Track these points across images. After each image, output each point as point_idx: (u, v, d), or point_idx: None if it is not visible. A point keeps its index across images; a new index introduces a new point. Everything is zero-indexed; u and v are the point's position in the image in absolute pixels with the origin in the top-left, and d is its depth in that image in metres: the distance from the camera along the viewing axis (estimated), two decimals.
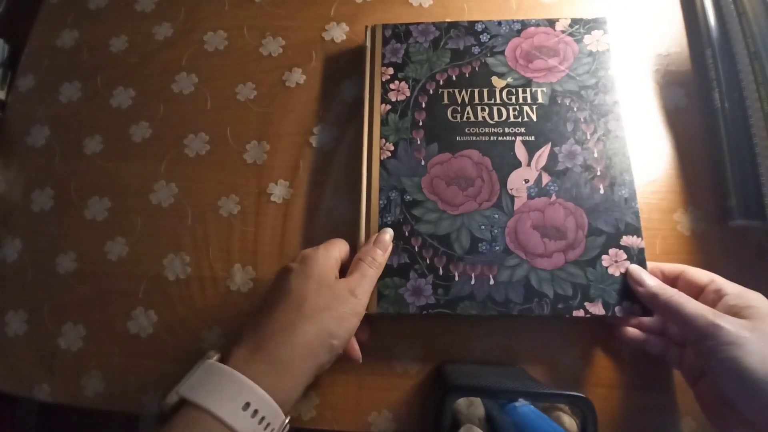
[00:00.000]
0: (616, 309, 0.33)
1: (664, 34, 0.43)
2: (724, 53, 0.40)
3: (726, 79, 0.39)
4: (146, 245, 0.41)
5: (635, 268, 0.33)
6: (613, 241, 0.34)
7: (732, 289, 0.30)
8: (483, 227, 0.36)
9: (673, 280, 0.34)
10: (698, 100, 0.41)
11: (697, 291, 0.32)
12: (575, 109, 0.38)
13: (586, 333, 0.36)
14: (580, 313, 0.33)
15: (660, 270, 0.34)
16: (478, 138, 0.38)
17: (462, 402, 0.30)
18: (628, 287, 0.33)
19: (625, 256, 0.34)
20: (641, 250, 0.34)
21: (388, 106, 0.39)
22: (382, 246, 0.35)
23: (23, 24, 0.50)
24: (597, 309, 0.33)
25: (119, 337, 0.39)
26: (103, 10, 0.50)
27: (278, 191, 0.41)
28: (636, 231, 0.34)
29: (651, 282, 0.32)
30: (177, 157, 0.43)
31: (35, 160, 0.45)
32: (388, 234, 0.36)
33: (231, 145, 0.43)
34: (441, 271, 0.35)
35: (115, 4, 0.49)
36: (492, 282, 0.34)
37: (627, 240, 0.34)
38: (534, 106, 0.38)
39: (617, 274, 0.34)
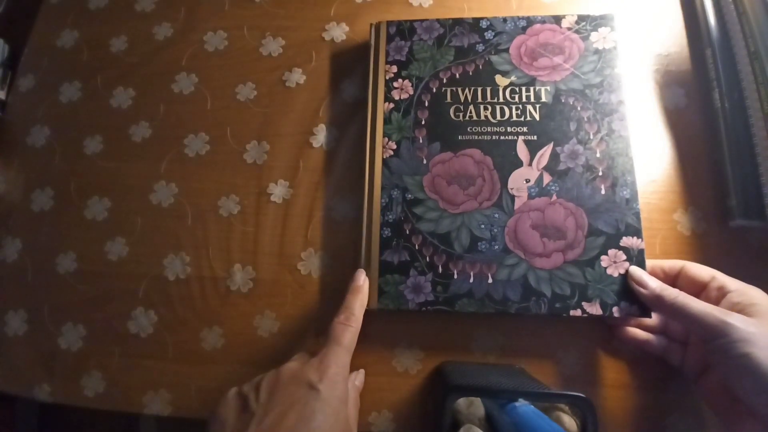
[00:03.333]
0: (614, 309, 0.33)
1: (664, 34, 0.43)
2: (724, 53, 0.40)
3: (726, 79, 0.39)
4: (146, 245, 0.41)
5: (636, 270, 0.33)
6: (613, 241, 0.34)
7: (735, 286, 0.30)
8: (483, 226, 0.36)
9: (673, 278, 0.34)
10: (698, 100, 0.41)
11: (698, 288, 0.32)
12: (579, 109, 0.38)
13: (587, 333, 0.36)
14: (578, 312, 0.33)
15: (660, 268, 0.34)
16: (480, 137, 0.38)
17: (462, 402, 0.30)
18: (626, 288, 0.33)
19: (624, 257, 0.34)
20: (641, 252, 0.34)
21: (392, 105, 0.39)
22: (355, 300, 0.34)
23: (23, 24, 0.50)
24: (594, 309, 0.33)
25: (119, 337, 0.39)
26: (103, 10, 0.50)
27: (278, 191, 0.41)
28: (636, 232, 0.34)
29: (653, 283, 0.32)
30: (177, 157, 0.43)
31: (35, 160, 0.45)
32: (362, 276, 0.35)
33: (231, 145, 0.43)
34: (440, 269, 0.35)
35: (115, 4, 0.49)
36: (490, 280, 0.34)
37: (627, 241, 0.34)
38: (537, 105, 0.38)
39: (616, 274, 0.34)
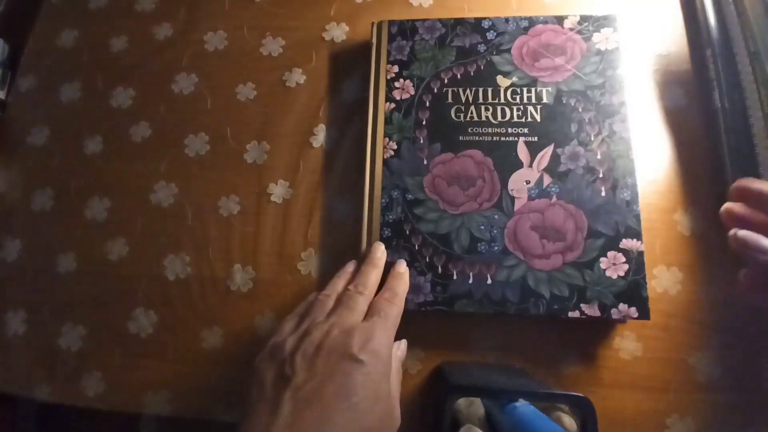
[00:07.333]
0: (612, 311, 0.33)
1: (664, 34, 0.43)
2: (724, 53, 0.40)
3: (726, 79, 0.39)
4: (146, 245, 0.41)
5: (746, 233, 0.26)
6: (613, 243, 0.34)
7: None
8: (482, 227, 0.36)
9: None
10: (698, 100, 0.41)
11: None
12: (580, 110, 0.37)
13: (587, 334, 0.36)
14: (576, 314, 0.33)
15: (760, 189, 0.27)
16: (480, 138, 0.38)
17: (462, 402, 0.30)
18: (625, 289, 0.33)
19: (623, 259, 0.34)
20: (640, 254, 0.34)
21: (393, 105, 0.39)
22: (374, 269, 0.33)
23: (23, 24, 0.50)
24: (593, 311, 0.33)
25: (119, 337, 0.39)
26: (103, 10, 0.49)
27: (278, 191, 0.41)
28: (636, 234, 0.34)
29: None
30: (177, 157, 0.43)
31: (35, 160, 0.45)
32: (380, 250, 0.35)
33: (231, 145, 0.43)
34: (440, 270, 0.35)
35: (115, 4, 0.49)
36: (489, 281, 0.34)
37: (626, 243, 0.34)
38: (538, 106, 0.38)
39: (615, 276, 0.34)
